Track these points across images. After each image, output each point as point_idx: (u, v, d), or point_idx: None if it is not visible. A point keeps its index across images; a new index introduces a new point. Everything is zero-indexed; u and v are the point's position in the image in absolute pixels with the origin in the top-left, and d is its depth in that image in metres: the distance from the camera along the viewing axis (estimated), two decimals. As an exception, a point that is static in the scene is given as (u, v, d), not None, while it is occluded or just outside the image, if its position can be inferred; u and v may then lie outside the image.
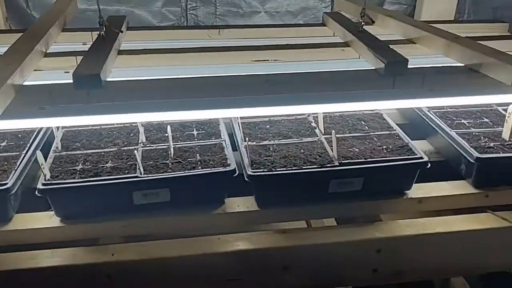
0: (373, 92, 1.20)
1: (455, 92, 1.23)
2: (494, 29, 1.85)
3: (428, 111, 1.60)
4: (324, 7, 2.18)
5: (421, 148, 1.58)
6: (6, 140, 1.42)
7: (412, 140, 1.49)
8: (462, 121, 1.54)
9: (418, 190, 1.37)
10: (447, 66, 1.31)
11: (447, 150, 1.49)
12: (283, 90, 1.15)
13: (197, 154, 1.33)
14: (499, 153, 1.35)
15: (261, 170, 1.25)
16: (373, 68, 1.26)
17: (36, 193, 1.19)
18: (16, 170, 1.25)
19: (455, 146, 1.41)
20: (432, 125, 1.55)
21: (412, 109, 1.70)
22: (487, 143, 1.39)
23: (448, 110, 1.62)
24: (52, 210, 1.24)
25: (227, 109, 1.15)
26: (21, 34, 1.34)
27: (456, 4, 2.21)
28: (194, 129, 1.49)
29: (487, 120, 1.55)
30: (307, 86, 1.18)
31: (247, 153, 1.32)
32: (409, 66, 1.21)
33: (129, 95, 1.11)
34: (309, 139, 1.42)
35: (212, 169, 1.25)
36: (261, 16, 2.16)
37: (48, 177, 1.22)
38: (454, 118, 1.56)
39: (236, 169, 1.26)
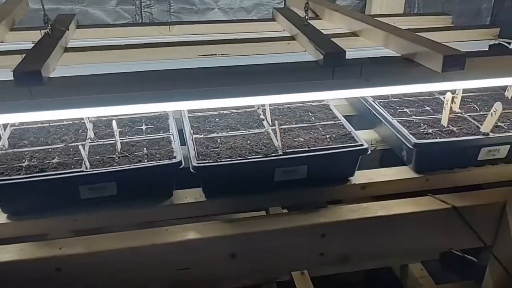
0: (313, 83, 1.24)
1: (391, 81, 1.28)
2: (438, 21, 1.92)
3: (373, 101, 1.66)
4: (277, 3, 2.23)
5: (368, 137, 1.65)
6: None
7: (360, 130, 1.54)
8: (405, 110, 1.60)
9: (362, 177, 1.42)
10: (384, 56, 1.37)
11: (391, 138, 1.54)
12: (224, 83, 1.18)
13: (144, 148, 1.35)
14: (437, 138, 1.41)
15: (206, 161, 1.28)
16: (314, 60, 1.30)
17: (-20, 190, 1.19)
18: (-40, 168, 1.25)
19: (396, 134, 1.47)
20: (377, 114, 1.60)
21: (359, 100, 1.75)
22: (426, 130, 1.45)
23: (392, 99, 1.68)
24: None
25: (166, 102, 1.18)
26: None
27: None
28: (144, 124, 1.50)
29: (428, 108, 1.62)
30: (249, 78, 1.21)
31: (193, 145, 1.34)
32: (347, 57, 1.26)
33: (72, 91, 1.11)
34: (257, 130, 1.46)
35: (158, 161, 1.28)
36: (215, 13, 2.18)
37: (-8, 174, 1.22)
38: (398, 107, 1.62)
39: (182, 161, 1.29)
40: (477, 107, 1.60)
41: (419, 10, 2.42)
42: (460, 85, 1.33)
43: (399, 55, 1.34)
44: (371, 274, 2.44)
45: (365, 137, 1.65)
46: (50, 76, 1.18)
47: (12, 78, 1.07)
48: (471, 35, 1.68)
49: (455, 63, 1.18)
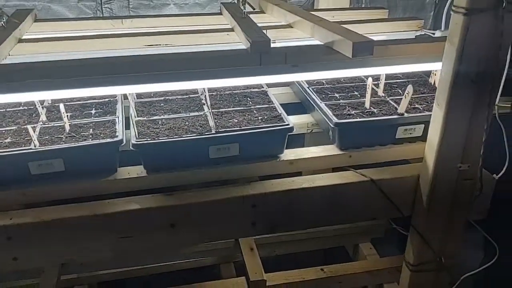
0: (243, 69, 1.39)
1: (314, 67, 1.43)
2: (374, 15, 2.08)
3: (308, 88, 1.81)
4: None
5: (304, 121, 1.80)
6: None
7: (298, 115, 1.69)
8: (335, 95, 1.76)
9: (291, 154, 1.57)
10: (307, 45, 1.52)
11: (321, 120, 1.70)
12: (162, 68, 1.32)
13: (91, 129, 1.49)
14: (356, 118, 1.56)
15: (145, 139, 1.42)
16: (245, 48, 1.44)
17: None
18: None
19: (323, 116, 1.62)
20: (310, 100, 1.75)
21: (298, 88, 1.90)
22: (349, 112, 1.61)
23: (326, 86, 1.84)
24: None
25: (110, 86, 1.32)
26: None
27: (350, -6, 2.44)
28: (93, 109, 1.64)
29: (357, 93, 1.77)
30: (185, 64, 1.34)
31: (134, 126, 1.48)
32: (273, 46, 1.41)
33: (21, 75, 1.24)
34: (196, 113, 1.60)
35: (101, 140, 1.41)
36: (170, 8, 2.33)
37: None
38: (329, 93, 1.77)
39: (124, 140, 1.43)
40: (400, 92, 1.76)
41: (367, 5, 2.58)
42: (372, 70, 1.48)
43: (322, 43, 1.49)
44: (327, 254, 2.62)
45: (302, 121, 1.82)
46: (2, 63, 1.31)
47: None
48: (399, 26, 1.85)
49: (364, 49, 1.34)
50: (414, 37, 1.84)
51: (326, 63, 1.43)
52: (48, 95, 1.49)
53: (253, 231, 1.53)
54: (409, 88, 1.52)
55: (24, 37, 1.63)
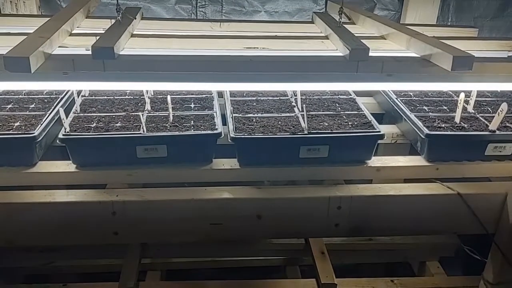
0: (340, 74, 1.45)
1: (409, 78, 1.47)
2: (463, 33, 2.09)
3: (396, 99, 1.84)
4: (318, 9, 2.45)
5: (390, 131, 1.84)
6: (34, 103, 1.71)
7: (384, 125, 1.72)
8: (424, 107, 1.78)
9: (378, 161, 1.61)
10: (403, 56, 1.56)
11: (408, 131, 1.73)
12: (263, 69, 1.40)
13: (192, 121, 1.59)
14: (447, 131, 1.58)
15: (242, 134, 1.51)
16: (342, 55, 1.51)
17: (57, 141, 1.46)
18: (42, 124, 1.52)
19: (413, 126, 1.65)
20: (398, 110, 1.79)
21: (385, 98, 1.94)
22: (439, 124, 1.63)
23: (414, 98, 1.86)
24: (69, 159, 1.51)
25: (216, 82, 1.42)
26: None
27: (437, 12, 2.45)
28: (192, 103, 1.75)
29: (445, 107, 1.79)
30: (283, 67, 1.42)
31: (232, 121, 1.58)
32: (370, 55, 1.46)
33: (137, 66, 1.37)
34: (288, 114, 1.67)
35: (202, 131, 1.51)
36: (261, 15, 2.43)
37: (67, 130, 1.49)
38: (418, 105, 1.80)
39: (222, 132, 1.52)
40: (490, 110, 1.75)
41: (452, 23, 2.58)
42: (470, 86, 1.50)
43: (419, 56, 1.53)
44: (389, 268, 2.61)
45: (387, 131, 1.84)
46: (120, 53, 1.44)
47: (86, 54, 1.33)
48: (490, 45, 1.85)
49: (463, 63, 1.36)
50: (506, 56, 1.84)
51: (421, 75, 1.46)
52: (157, 86, 1.62)
53: (335, 232, 1.57)
54: (504, 106, 1.53)
55: (135, 32, 1.77)
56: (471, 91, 1.75)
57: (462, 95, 1.64)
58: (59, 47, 1.48)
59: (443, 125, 1.62)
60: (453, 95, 1.90)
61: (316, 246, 2.11)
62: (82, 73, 1.34)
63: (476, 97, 1.78)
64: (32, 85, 1.54)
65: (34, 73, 1.22)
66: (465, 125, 1.62)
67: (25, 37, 1.37)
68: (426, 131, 1.56)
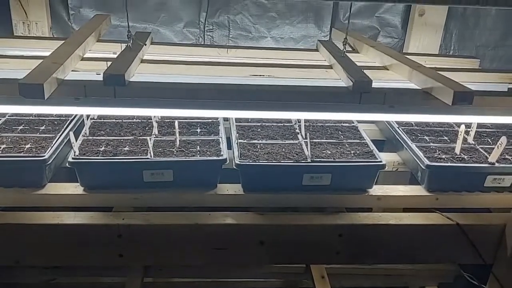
0: (343, 105, 1.49)
1: (410, 110, 1.50)
2: (465, 63, 2.13)
3: (398, 128, 1.88)
4: (323, 36, 2.50)
5: (391, 159, 1.86)
6: (44, 125, 1.75)
7: (385, 152, 1.75)
8: (425, 137, 1.82)
9: (379, 190, 1.64)
10: (405, 88, 1.60)
11: (409, 160, 1.76)
12: (269, 98, 1.44)
13: (198, 146, 1.63)
14: (447, 163, 1.62)
15: (247, 160, 1.54)
16: (345, 86, 1.55)
17: (67, 164, 1.50)
18: (52, 147, 1.56)
19: (413, 156, 1.69)
20: (400, 139, 1.82)
21: (387, 127, 1.98)
22: (439, 155, 1.66)
23: (415, 127, 1.90)
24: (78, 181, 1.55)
25: (223, 110, 1.46)
26: (63, 41, 1.66)
27: (440, 40, 2.50)
28: (198, 128, 1.79)
29: (446, 138, 1.83)
30: (289, 96, 1.46)
31: (237, 147, 1.61)
32: (373, 86, 1.50)
33: (147, 93, 1.41)
34: (291, 141, 1.71)
35: (208, 157, 1.55)
36: (267, 41, 2.48)
37: (77, 153, 1.53)
38: (419, 135, 1.84)
39: (228, 158, 1.56)
40: (490, 141, 1.79)
41: (455, 52, 2.62)
42: (470, 119, 1.54)
43: (420, 88, 1.57)
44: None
45: (388, 159, 1.88)
46: (131, 80, 1.48)
47: (97, 80, 1.37)
48: (491, 77, 1.88)
49: (464, 98, 1.40)
50: (506, 89, 1.87)
51: (423, 107, 1.50)
52: (166, 113, 1.66)
53: (336, 259, 1.60)
54: (503, 139, 1.56)
55: (144, 57, 1.81)
56: (471, 123, 1.79)
57: (462, 127, 1.68)
58: (72, 70, 1.52)
59: (443, 156, 1.66)
60: (454, 125, 1.94)
61: (316, 270, 2.12)
62: (93, 98, 1.38)
63: (476, 128, 1.82)
64: (44, 109, 1.58)
65: (47, 99, 1.26)
66: (465, 157, 1.66)
67: (39, 60, 1.41)
68: (427, 162, 1.60)
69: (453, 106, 1.39)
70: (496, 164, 1.61)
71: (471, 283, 1.97)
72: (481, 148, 1.73)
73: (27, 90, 1.24)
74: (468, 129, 1.78)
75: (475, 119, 1.60)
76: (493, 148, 1.64)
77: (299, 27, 2.47)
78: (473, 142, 1.77)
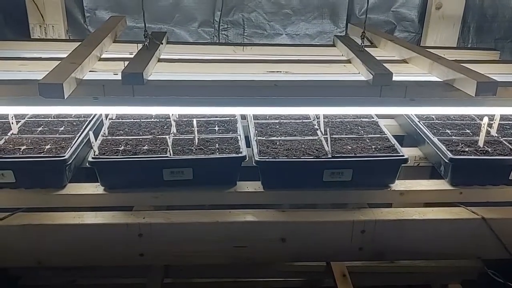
0: (363, 99, 1.47)
1: (432, 102, 1.48)
2: (485, 56, 2.09)
3: (419, 122, 1.85)
4: (339, 32, 2.47)
5: (412, 154, 1.83)
6: (63, 126, 1.76)
7: (405, 147, 1.73)
8: (447, 131, 1.79)
9: (401, 185, 1.61)
10: (426, 80, 1.57)
11: (432, 155, 1.73)
12: (288, 94, 1.43)
13: (216, 144, 1.62)
14: (471, 156, 1.58)
15: (266, 157, 1.53)
16: (365, 79, 1.52)
17: (87, 164, 1.50)
18: (71, 147, 1.57)
19: (436, 150, 1.65)
20: (421, 133, 1.79)
21: (407, 121, 1.95)
22: (462, 148, 1.63)
23: (436, 121, 1.87)
24: (98, 181, 1.55)
25: (241, 107, 1.45)
26: (79, 43, 1.66)
27: (458, 34, 2.46)
28: (216, 126, 1.78)
29: (468, 131, 1.79)
30: (307, 91, 1.45)
31: (256, 144, 1.60)
32: (394, 79, 1.48)
33: (165, 91, 1.40)
34: (311, 137, 1.69)
35: (227, 155, 1.54)
36: (282, 38, 2.46)
37: (96, 153, 1.53)
38: (440, 129, 1.80)
39: (247, 156, 1.55)
40: (514, 133, 1.75)
41: (473, 45, 2.58)
42: (493, 110, 1.50)
43: (441, 80, 1.54)
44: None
45: (409, 153, 1.84)
46: (149, 79, 1.47)
47: (116, 79, 1.37)
48: (512, 68, 1.85)
49: (487, 89, 1.37)
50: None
51: (444, 99, 1.47)
52: (184, 110, 1.66)
53: (359, 256, 1.58)
54: (529, 131, 1.53)
55: (161, 56, 1.81)
56: (494, 114, 1.75)
57: (485, 119, 1.64)
58: (90, 71, 1.53)
59: (466, 149, 1.62)
60: (476, 118, 1.91)
61: (337, 269, 2.10)
62: (112, 97, 1.37)
63: (499, 120, 1.78)
64: (64, 109, 1.58)
65: (66, 99, 1.26)
66: (489, 149, 1.62)
67: (56, 62, 1.41)
68: (450, 155, 1.57)
69: (476, 98, 1.37)
70: (522, 156, 1.57)
71: (495, 280, 1.93)
72: (505, 140, 1.69)
73: (47, 90, 1.24)
74: (491, 122, 1.74)
75: (499, 111, 1.56)
76: (518, 140, 1.60)
77: (314, 24, 2.45)
78: (497, 135, 1.74)
